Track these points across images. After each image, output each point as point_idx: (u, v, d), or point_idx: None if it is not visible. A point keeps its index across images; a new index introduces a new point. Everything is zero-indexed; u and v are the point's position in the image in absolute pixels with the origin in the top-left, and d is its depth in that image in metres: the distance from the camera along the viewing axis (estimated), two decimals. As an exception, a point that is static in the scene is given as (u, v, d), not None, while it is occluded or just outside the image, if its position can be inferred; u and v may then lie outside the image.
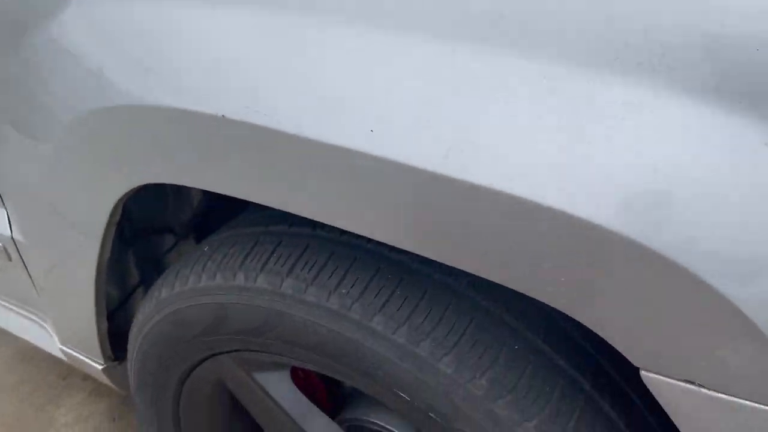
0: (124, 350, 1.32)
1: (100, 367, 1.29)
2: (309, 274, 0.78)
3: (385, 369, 0.74)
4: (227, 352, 0.91)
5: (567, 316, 0.59)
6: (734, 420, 0.56)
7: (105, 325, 1.17)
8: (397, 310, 0.73)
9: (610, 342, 0.58)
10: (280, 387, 0.94)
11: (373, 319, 0.73)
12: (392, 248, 0.76)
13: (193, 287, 0.87)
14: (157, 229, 1.22)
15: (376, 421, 0.98)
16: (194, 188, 1.08)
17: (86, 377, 1.98)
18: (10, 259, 1.20)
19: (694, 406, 0.57)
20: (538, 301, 0.60)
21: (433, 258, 0.63)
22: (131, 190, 0.83)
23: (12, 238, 1.13)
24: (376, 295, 0.74)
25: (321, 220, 0.68)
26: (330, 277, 0.77)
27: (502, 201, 0.54)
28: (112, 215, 0.88)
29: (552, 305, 0.59)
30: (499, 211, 0.55)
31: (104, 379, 1.35)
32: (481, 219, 0.56)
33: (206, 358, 0.95)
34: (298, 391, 0.95)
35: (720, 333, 0.52)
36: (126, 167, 0.81)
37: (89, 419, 1.83)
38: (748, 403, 0.54)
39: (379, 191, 0.61)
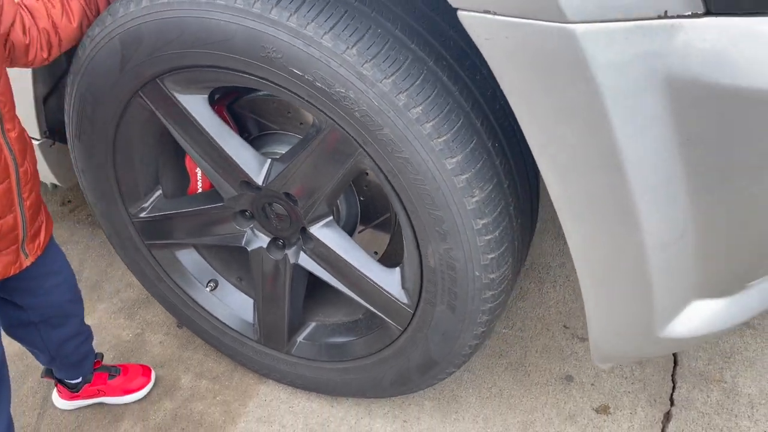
0: (57, 134, 1.50)
1: (36, 142, 1.47)
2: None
3: (280, 50, 0.98)
4: (154, 78, 1.13)
5: None
6: (515, 35, 0.84)
7: (41, 90, 1.36)
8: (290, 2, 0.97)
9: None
10: (199, 108, 1.17)
11: (271, 11, 0.97)
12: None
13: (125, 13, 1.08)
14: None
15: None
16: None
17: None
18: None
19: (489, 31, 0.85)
20: None
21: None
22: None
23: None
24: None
25: None
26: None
27: None
28: None
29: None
30: None
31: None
32: None
33: (137, 90, 1.16)
34: (213, 112, 1.19)
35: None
36: None
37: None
38: (520, 20, 0.83)
39: None
